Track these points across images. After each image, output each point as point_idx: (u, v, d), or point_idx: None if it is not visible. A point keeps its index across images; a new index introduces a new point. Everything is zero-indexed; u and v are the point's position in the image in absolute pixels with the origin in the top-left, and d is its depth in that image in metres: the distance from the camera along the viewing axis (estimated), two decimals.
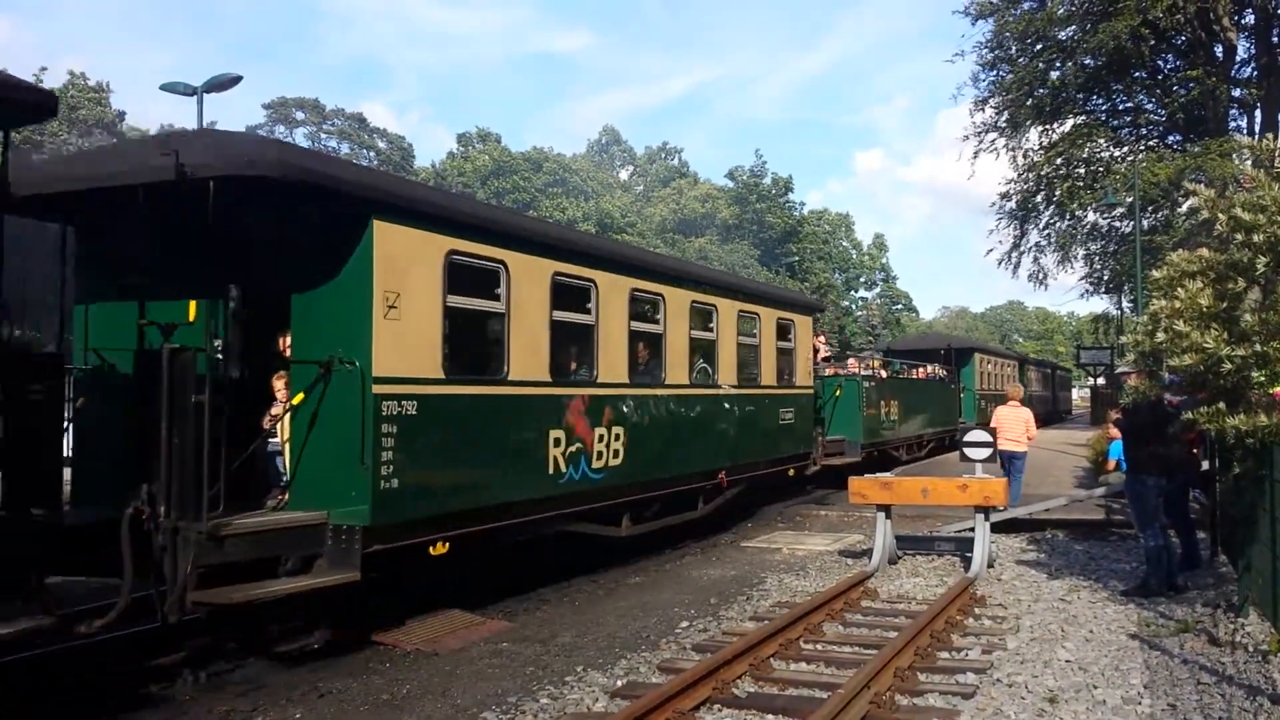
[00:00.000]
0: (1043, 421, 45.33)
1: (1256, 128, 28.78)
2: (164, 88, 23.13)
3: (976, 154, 34.21)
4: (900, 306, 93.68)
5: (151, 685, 7.35)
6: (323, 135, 71.62)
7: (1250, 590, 8.88)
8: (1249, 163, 9.86)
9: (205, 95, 22.99)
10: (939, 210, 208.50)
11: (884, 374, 23.19)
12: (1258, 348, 7.56)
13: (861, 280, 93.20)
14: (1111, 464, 13.87)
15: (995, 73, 32.88)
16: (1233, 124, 30.19)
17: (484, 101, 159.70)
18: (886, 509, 11.85)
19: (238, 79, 23.18)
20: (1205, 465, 11.34)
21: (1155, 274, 9.23)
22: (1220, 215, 8.43)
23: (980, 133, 33.72)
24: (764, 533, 15.17)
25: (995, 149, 33.99)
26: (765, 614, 9.46)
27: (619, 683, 7.30)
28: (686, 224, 71.68)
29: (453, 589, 9.96)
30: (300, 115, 70.60)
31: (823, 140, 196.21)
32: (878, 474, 12.65)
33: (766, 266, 67.44)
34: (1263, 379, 7.68)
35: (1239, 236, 8.11)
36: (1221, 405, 7.97)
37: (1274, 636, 7.77)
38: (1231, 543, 10.49)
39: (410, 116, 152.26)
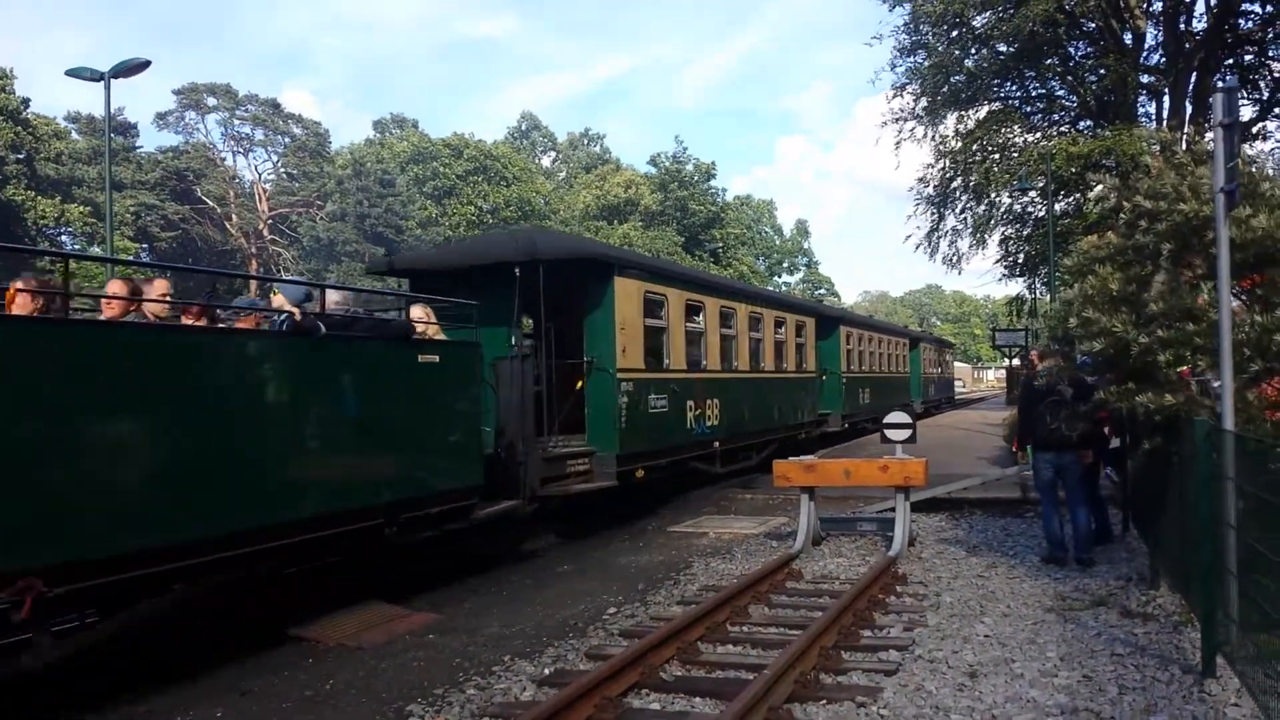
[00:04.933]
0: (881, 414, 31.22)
1: (1164, 114, 29.55)
2: (69, 73, 22.42)
3: (898, 144, 34.58)
4: (823, 291, 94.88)
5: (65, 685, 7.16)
6: (235, 122, 70.05)
7: (1161, 563, 9.16)
8: (1156, 147, 10.15)
9: (113, 81, 22.38)
10: (860, 197, 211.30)
11: None
12: (1159, 333, 7.77)
13: (784, 266, 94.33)
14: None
15: (912, 59, 33.24)
16: (1141, 110, 30.93)
17: (406, 88, 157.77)
18: (810, 491, 11.98)
19: (146, 64, 22.53)
20: (1116, 443, 11.66)
21: (1066, 261, 9.45)
22: (1125, 203, 8.66)
23: (899, 119, 34.10)
24: (690, 517, 15.23)
25: (915, 138, 34.38)
26: (692, 598, 9.50)
27: (547, 671, 7.28)
28: (610, 211, 71.57)
29: (374, 581, 9.85)
30: (212, 101, 68.94)
31: (746, 128, 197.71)
32: (801, 457, 12.77)
33: (690, 253, 67.69)
34: (1170, 359, 7.89)
35: (1143, 223, 8.33)
36: (1131, 385, 8.19)
37: (1184, 608, 8.03)
38: (1142, 518, 10.81)
39: (332, 104, 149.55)
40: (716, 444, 16.74)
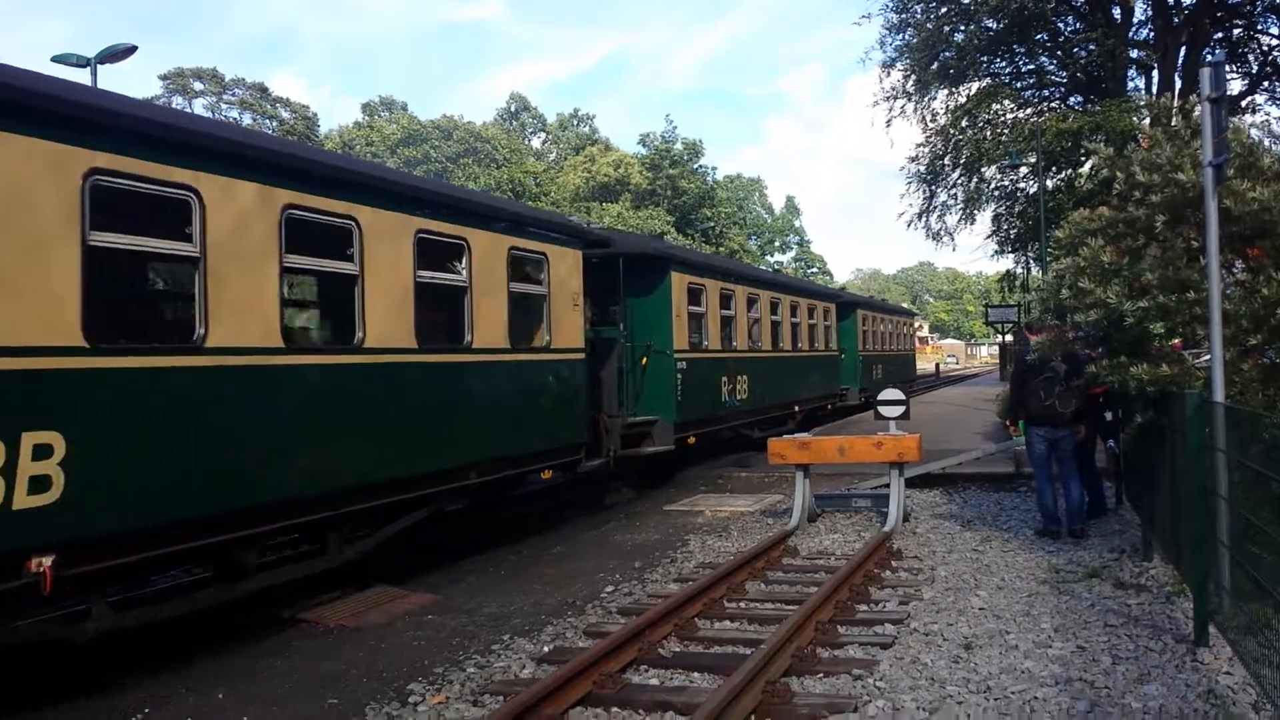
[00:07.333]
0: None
1: (1154, 89, 29.56)
2: (55, 59, 22.37)
3: (889, 121, 34.59)
4: (815, 270, 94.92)
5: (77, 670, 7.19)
6: (223, 105, 69.62)
7: (1154, 535, 9.23)
8: (1146, 121, 10.18)
9: (99, 67, 22.27)
10: (851, 176, 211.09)
11: None
12: (1160, 299, 7.80)
13: (776, 245, 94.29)
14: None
15: (901, 36, 33.18)
16: (1130, 85, 30.95)
17: (396, 73, 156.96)
18: (805, 468, 12.03)
19: (132, 49, 22.48)
20: (1109, 416, 11.71)
21: (1058, 233, 9.47)
22: (1119, 174, 8.68)
23: (889, 97, 34.04)
24: (686, 496, 15.28)
25: (905, 115, 34.34)
26: (689, 575, 9.56)
27: (546, 649, 7.33)
28: (601, 190, 71.38)
29: (374, 563, 9.88)
30: (199, 86, 68.49)
31: (736, 109, 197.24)
32: (796, 434, 12.83)
33: (682, 232, 67.56)
34: (1162, 330, 7.94)
35: (1137, 194, 8.35)
36: (1123, 358, 8.23)
37: (1177, 578, 8.09)
38: (1135, 490, 10.88)
39: (322, 89, 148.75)
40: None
